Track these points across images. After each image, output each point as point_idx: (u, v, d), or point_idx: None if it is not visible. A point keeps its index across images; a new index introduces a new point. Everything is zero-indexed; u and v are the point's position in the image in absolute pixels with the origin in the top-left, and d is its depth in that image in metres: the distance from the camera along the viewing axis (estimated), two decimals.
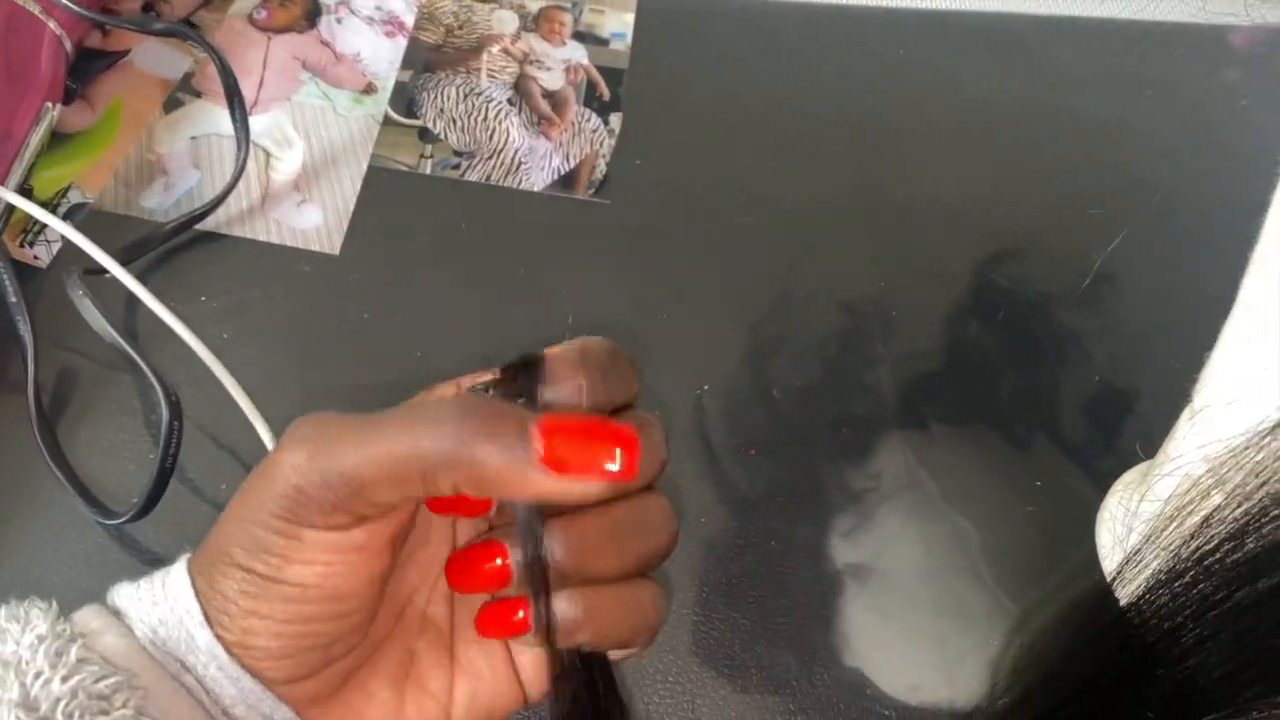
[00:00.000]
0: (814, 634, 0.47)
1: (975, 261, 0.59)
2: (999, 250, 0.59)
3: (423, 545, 0.33)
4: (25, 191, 0.54)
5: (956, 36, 0.69)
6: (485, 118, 0.60)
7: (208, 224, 0.54)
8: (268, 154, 0.58)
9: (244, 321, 0.52)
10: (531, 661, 0.33)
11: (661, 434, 0.31)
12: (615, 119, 0.61)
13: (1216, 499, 0.35)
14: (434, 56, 0.63)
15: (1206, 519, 0.35)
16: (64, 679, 0.26)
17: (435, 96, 0.61)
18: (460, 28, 0.64)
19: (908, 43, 0.68)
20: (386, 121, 0.60)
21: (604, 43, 0.64)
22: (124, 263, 0.48)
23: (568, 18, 0.65)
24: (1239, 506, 0.34)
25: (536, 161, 0.59)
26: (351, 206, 0.56)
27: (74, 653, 0.27)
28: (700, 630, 0.47)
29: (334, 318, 0.53)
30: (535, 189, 0.58)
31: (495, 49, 0.64)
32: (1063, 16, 0.71)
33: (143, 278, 0.51)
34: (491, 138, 0.60)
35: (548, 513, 0.29)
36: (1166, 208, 0.62)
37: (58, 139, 0.56)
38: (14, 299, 0.47)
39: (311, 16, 0.64)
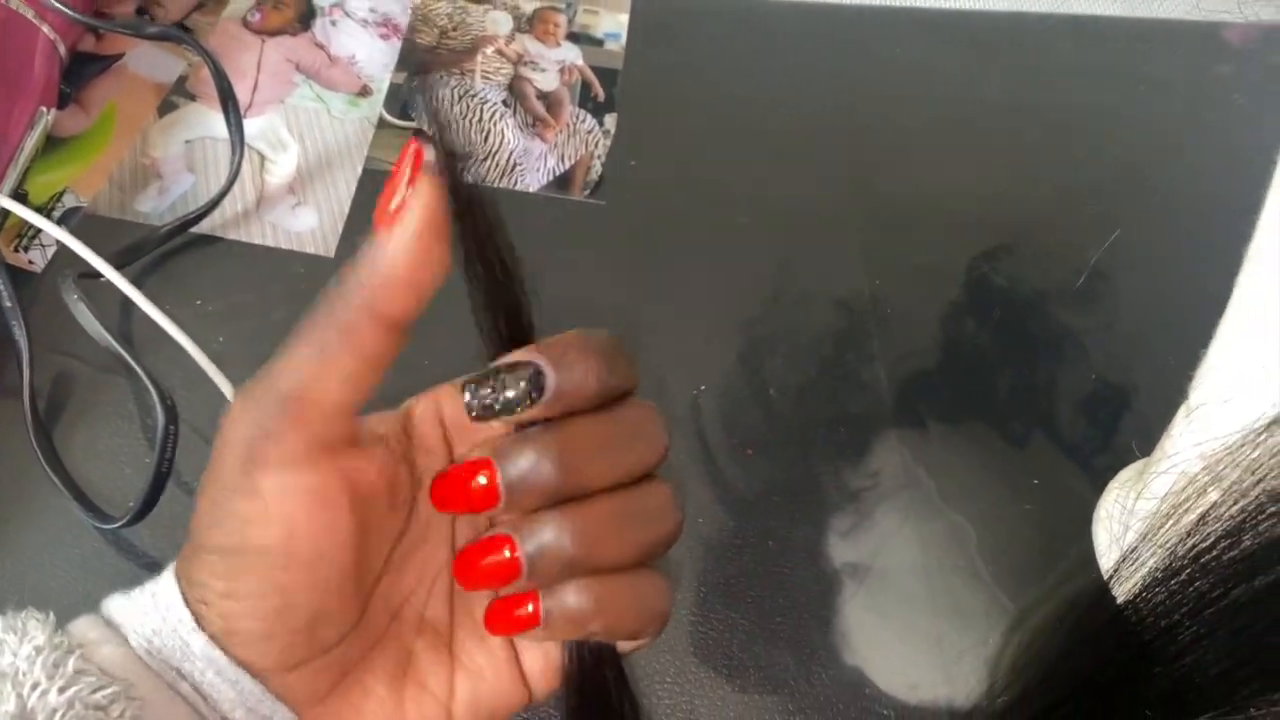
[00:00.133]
0: (812, 633, 0.47)
1: (971, 259, 0.59)
2: (995, 248, 0.59)
3: (420, 545, 0.33)
4: (20, 196, 0.54)
5: (951, 35, 0.69)
6: (480, 119, 0.60)
7: (202, 227, 0.54)
8: (262, 157, 0.58)
9: (239, 325, 0.52)
10: (537, 659, 0.33)
11: (661, 422, 0.31)
12: (610, 119, 0.61)
13: (1213, 496, 0.35)
14: (428, 58, 0.63)
15: (1203, 516, 0.35)
16: (61, 690, 0.26)
17: (430, 98, 0.61)
18: (454, 29, 0.64)
19: (902, 41, 0.68)
20: (381, 124, 0.60)
21: (598, 43, 0.64)
22: (119, 267, 0.48)
23: (562, 19, 0.65)
24: (1235, 504, 0.34)
25: (531, 163, 0.59)
26: (346, 209, 0.56)
27: (71, 664, 0.27)
28: (699, 630, 0.47)
29: None
30: (530, 190, 0.58)
31: (490, 50, 0.64)
32: (1057, 14, 0.71)
33: (138, 282, 0.51)
34: (486, 139, 0.60)
35: (555, 500, 0.29)
36: (1162, 205, 0.62)
37: (52, 143, 0.56)
38: (9, 304, 0.47)
39: (305, 19, 0.64)
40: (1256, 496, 0.33)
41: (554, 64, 0.63)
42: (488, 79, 0.62)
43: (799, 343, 0.55)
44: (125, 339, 0.50)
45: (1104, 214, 0.60)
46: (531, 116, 0.61)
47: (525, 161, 0.59)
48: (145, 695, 0.28)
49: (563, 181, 0.59)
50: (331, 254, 0.55)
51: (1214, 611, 0.32)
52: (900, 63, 0.67)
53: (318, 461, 0.28)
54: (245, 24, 0.63)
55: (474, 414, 0.28)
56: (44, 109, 0.53)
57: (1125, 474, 0.46)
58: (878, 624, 0.48)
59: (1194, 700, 0.32)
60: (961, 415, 0.54)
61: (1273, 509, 0.32)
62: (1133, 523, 0.43)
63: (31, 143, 0.53)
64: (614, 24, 0.65)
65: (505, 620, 0.30)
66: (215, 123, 0.57)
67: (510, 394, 0.28)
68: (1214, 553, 0.34)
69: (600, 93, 0.62)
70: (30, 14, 0.53)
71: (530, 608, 0.30)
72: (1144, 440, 0.46)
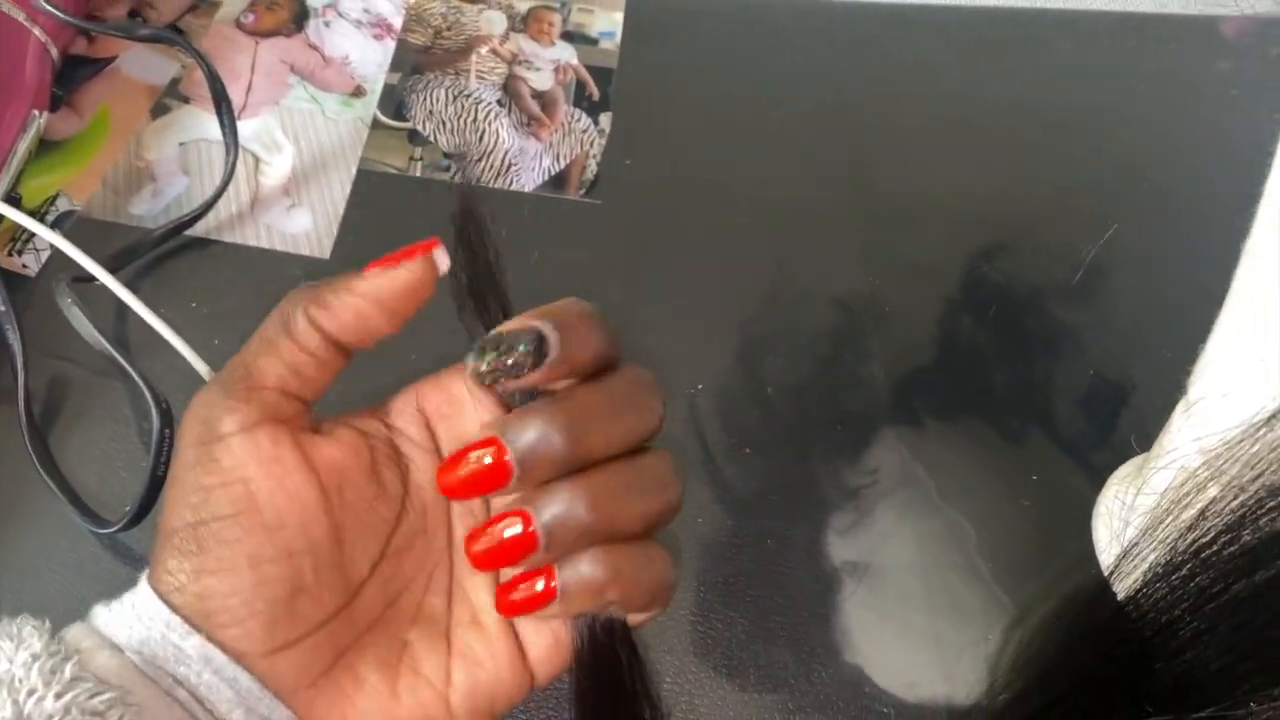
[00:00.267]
0: (811, 632, 0.47)
1: (967, 256, 0.59)
2: (991, 244, 0.59)
3: (418, 535, 0.33)
4: (13, 200, 0.54)
5: (946, 31, 0.69)
6: (475, 119, 0.60)
7: (197, 230, 0.54)
8: (256, 158, 0.57)
9: (235, 327, 0.51)
10: (541, 643, 0.33)
11: (656, 388, 0.32)
12: (605, 119, 0.61)
13: (1212, 491, 0.35)
14: (422, 58, 0.63)
15: (1203, 512, 0.35)
16: (58, 695, 0.26)
17: (424, 98, 0.61)
18: (449, 29, 0.64)
19: (897, 38, 0.68)
20: (375, 124, 0.60)
21: (593, 42, 0.64)
22: (113, 270, 0.48)
23: (556, 18, 0.65)
24: (1235, 499, 0.34)
25: (527, 162, 0.59)
26: (341, 210, 0.56)
27: (68, 670, 0.27)
28: (698, 630, 0.46)
29: None
30: (526, 190, 0.58)
31: (484, 50, 0.63)
32: (1052, 9, 0.71)
33: (132, 285, 0.50)
34: (481, 139, 0.60)
35: (564, 470, 0.30)
36: (1160, 201, 0.62)
37: (45, 147, 0.56)
38: (3, 308, 0.47)
39: (299, 20, 0.64)
40: (1256, 491, 0.33)
41: (549, 63, 0.63)
42: (482, 79, 0.62)
43: (796, 341, 0.55)
44: (120, 342, 0.49)
45: (1101, 211, 0.60)
46: (526, 116, 0.61)
47: (520, 161, 0.59)
48: (142, 701, 0.28)
49: (558, 181, 0.59)
50: (327, 255, 0.55)
51: (1214, 607, 0.32)
52: (897, 60, 0.67)
53: (271, 430, 0.29)
54: (239, 25, 0.63)
55: (481, 379, 0.29)
56: (36, 112, 0.53)
57: (1124, 470, 0.46)
58: (877, 622, 0.48)
59: (1195, 696, 0.32)
60: (959, 413, 0.54)
61: (1272, 504, 0.32)
62: (1132, 518, 0.43)
63: (24, 146, 0.53)
64: (609, 22, 0.65)
65: (520, 598, 0.30)
66: (209, 125, 0.57)
67: (516, 358, 0.28)
68: (1214, 548, 0.34)
69: (595, 92, 0.62)
70: (21, 16, 0.53)
71: (546, 583, 0.30)
72: (1143, 436, 0.46)
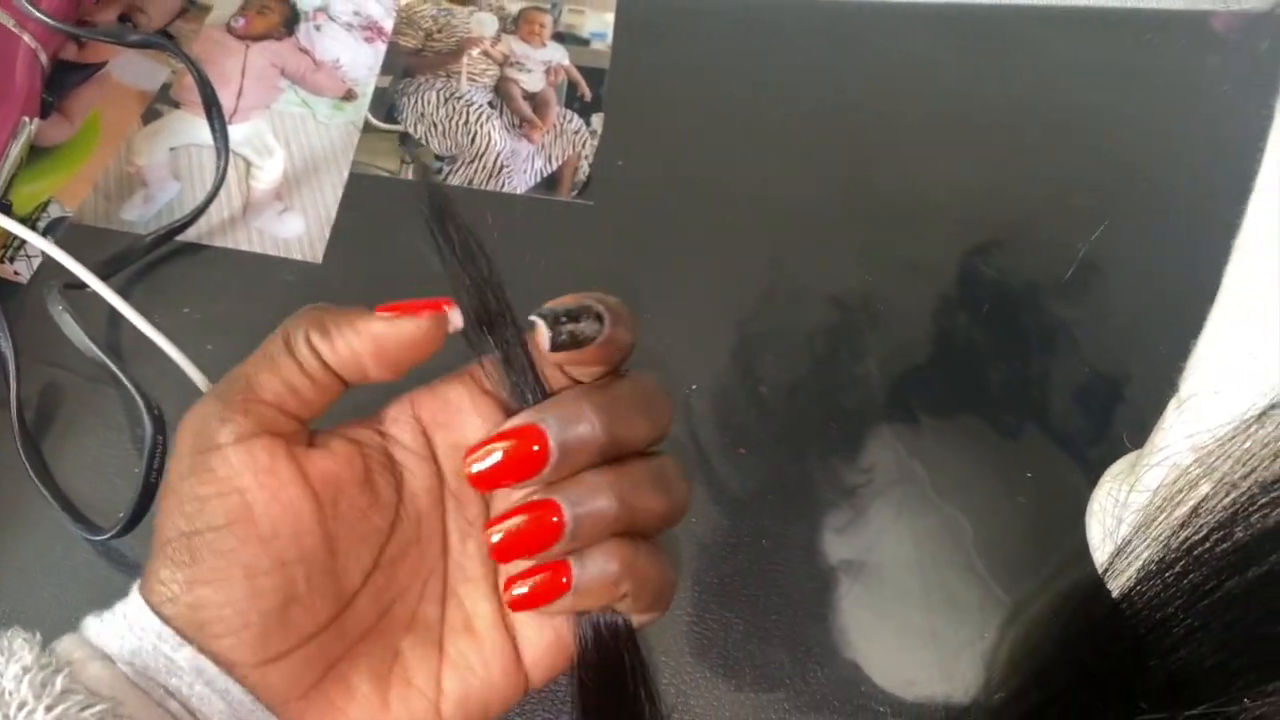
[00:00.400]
0: (808, 631, 0.47)
1: (961, 253, 0.59)
2: (985, 241, 0.59)
3: (412, 544, 0.33)
4: (4, 207, 0.53)
5: (937, 29, 0.69)
6: (466, 121, 0.60)
7: (189, 235, 0.54)
8: (248, 163, 0.57)
9: (228, 332, 0.51)
10: (539, 645, 0.33)
11: (666, 390, 0.32)
12: (597, 119, 0.61)
13: (1205, 488, 0.35)
14: (414, 61, 0.63)
15: (1195, 509, 0.35)
16: (48, 708, 0.26)
17: (416, 101, 0.61)
18: (439, 31, 0.64)
19: (889, 36, 0.68)
20: (367, 128, 0.60)
21: (584, 43, 0.64)
22: (104, 277, 0.48)
23: (547, 19, 0.65)
24: (1227, 495, 0.34)
25: (519, 164, 0.59)
26: (333, 214, 0.56)
27: (59, 683, 0.27)
28: (694, 630, 0.46)
29: None
30: (518, 192, 0.58)
31: (475, 52, 0.63)
32: (1044, 6, 0.71)
33: (125, 291, 0.51)
34: (473, 141, 0.59)
35: (597, 461, 0.30)
36: (1152, 195, 0.62)
37: (35, 153, 0.56)
38: None
39: (289, 24, 0.63)
40: (1248, 488, 0.33)
41: (540, 64, 0.63)
42: (473, 81, 0.62)
43: (791, 340, 0.55)
44: (113, 349, 0.49)
45: (1095, 207, 0.60)
46: (518, 118, 0.61)
47: (512, 163, 0.59)
48: (133, 712, 0.28)
49: (550, 182, 0.59)
50: (319, 259, 0.55)
51: (1208, 604, 0.32)
52: (889, 58, 0.67)
53: (268, 443, 0.30)
54: (229, 30, 0.63)
55: (555, 346, 0.30)
56: (26, 119, 0.53)
57: (1118, 466, 0.46)
58: (874, 621, 0.48)
59: (1189, 692, 0.32)
60: (955, 410, 0.54)
61: (1264, 500, 0.32)
62: (1125, 516, 0.43)
63: (14, 153, 0.52)
64: (599, 23, 0.65)
65: (534, 591, 0.30)
66: (200, 130, 0.57)
67: (585, 326, 0.30)
68: (1207, 545, 0.34)
69: (587, 92, 0.62)
70: (10, 23, 0.53)
71: (561, 575, 0.30)
72: (1137, 432, 0.46)
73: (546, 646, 0.33)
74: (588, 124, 0.61)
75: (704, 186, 0.60)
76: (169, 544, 0.29)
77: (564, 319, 0.30)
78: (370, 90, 0.61)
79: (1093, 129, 0.65)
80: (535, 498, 0.30)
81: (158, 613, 0.29)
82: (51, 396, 0.49)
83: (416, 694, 0.32)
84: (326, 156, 0.58)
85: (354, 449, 0.32)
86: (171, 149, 0.57)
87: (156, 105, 0.59)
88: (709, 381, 0.53)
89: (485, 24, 0.64)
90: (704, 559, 0.48)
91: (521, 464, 0.29)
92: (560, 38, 0.65)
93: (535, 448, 0.29)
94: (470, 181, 0.58)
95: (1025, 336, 0.56)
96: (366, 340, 0.30)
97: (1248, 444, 0.34)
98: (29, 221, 0.54)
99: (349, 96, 0.61)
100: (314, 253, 0.55)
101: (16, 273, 0.52)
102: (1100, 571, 0.37)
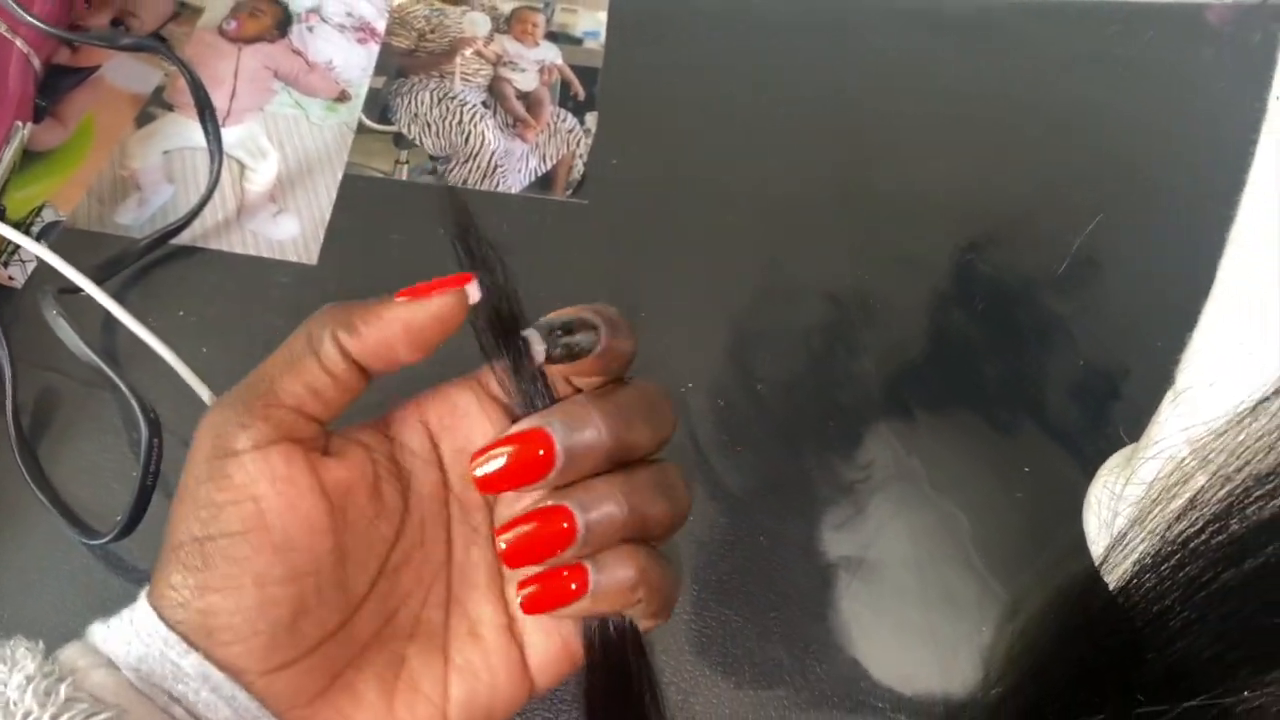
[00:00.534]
0: (807, 628, 0.47)
1: (957, 249, 0.59)
2: (980, 237, 0.59)
3: (416, 549, 0.33)
4: None
5: (930, 25, 0.69)
6: (460, 121, 0.60)
7: (183, 238, 0.54)
8: (242, 165, 0.57)
9: (223, 335, 0.51)
10: (545, 649, 0.33)
11: (672, 404, 0.33)
12: (591, 118, 0.61)
13: (1200, 481, 0.35)
14: (407, 61, 0.63)
15: (1191, 501, 0.35)
16: (53, 718, 0.26)
17: (409, 101, 0.61)
18: (432, 31, 0.64)
19: (883, 33, 0.68)
20: (361, 129, 0.60)
21: (577, 42, 0.64)
22: (99, 281, 0.48)
23: (540, 18, 0.65)
24: (1222, 488, 0.34)
25: (513, 164, 0.59)
26: (328, 215, 0.56)
27: (63, 691, 0.27)
28: (693, 628, 0.46)
29: None
30: (512, 191, 0.58)
31: (468, 52, 0.63)
32: (1038, 1, 0.71)
33: (120, 294, 0.51)
34: (467, 141, 0.59)
35: (604, 467, 0.30)
36: (1148, 188, 0.62)
37: (29, 157, 0.56)
38: None
39: (282, 25, 0.63)
40: (1243, 480, 0.33)
41: (533, 64, 0.63)
42: (467, 80, 0.62)
43: (787, 338, 0.55)
44: (108, 353, 0.49)
45: (1090, 201, 0.60)
46: (512, 117, 0.61)
47: (507, 163, 0.59)
48: (138, 719, 0.28)
49: (545, 182, 0.59)
50: (314, 261, 0.55)
51: (1204, 596, 0.32)
52: (882, 54, 0.67)
53: (286, 450, 0.29)
54: (221, 32, 0.63)
55: (550, 359, 0.30)
56: (19, 123, 0.53)
57: (1114, 460, 0.46)
58: (872, 617, 0.48)
59: (1186, 685, 0.32)
60: (951, 405, 0.54)
61: (1259, 492, 0.32)
62: (1122, 509, 0.43)
63: (7, 157, 0.52)
64: (593, 22, 0.65)
65: (549, 595, 0.31)
66: (194, 132, 0.57)
67: (580, 339, 0.30)
68: (1202, 537, 0.34)
69: (580, 91, 0.62)
70: (3, 28, 0.53)
71: (578, 580, 0.30)
72: (1133, 425, 0.46)
73: (553, 651, 0.33)
74: (582, 123, 0.61)
75: (699, 184, 0.60)
76: (181, 548, 0.29)
77: (559, 332, 0.30)
78: (364, 91, 0.61)
79: (1088, 124, 0.65)
80: (546, 504, 0.30)
81: (165, 619, 0.29)
82: (47, 401, 0.49)
83: (423, 700, 0.32)
84: (320, 158, 0.58)
85: (365, 455, 0.32)
86: (165, 152, 0.57)
87: (150, 108, 0.59)
88: (705, 380, 0.53)
89: (478, 24, 0.64)
90: (702, 557, 0.48)
91: (527, 468, 0.29)
92: (553, 37, 0.65)
93: (541, 452, 0.29)
94: (465, 181, 0.58)
95: (1021, 332, 0.56)
96: (395, 325, 0.30)
97: (1242, 436, 0.34)
98: (23, 226, 0.54)
99: (342, 98, 0.61)
100: (309, 254, 0.55)
101: (11, 278, 0.52)
102: (1097, 565, 0.37)
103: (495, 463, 0.30)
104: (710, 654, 0.46)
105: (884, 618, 0.48)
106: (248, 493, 0.29)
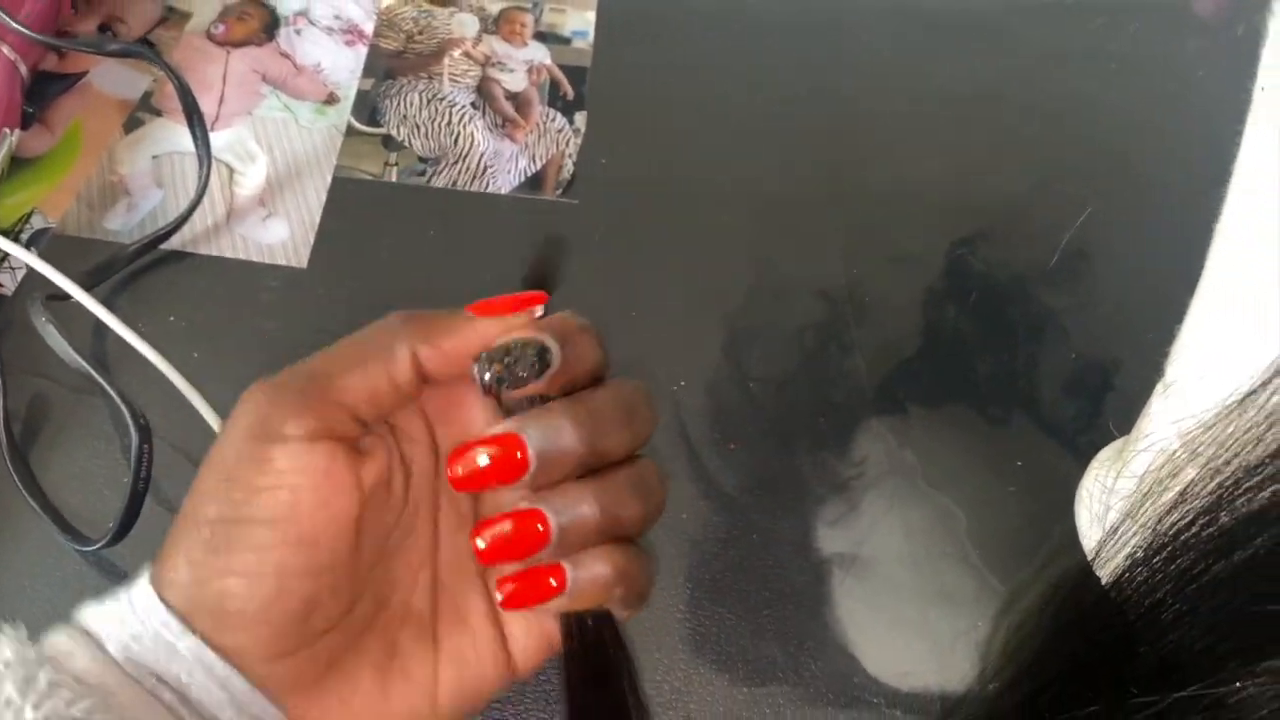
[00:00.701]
0: (801, 625, 0.47)
1: (947, 245, 0.59)
2: (971, 232, 0.59)
3: (407, 535, 0.33)
4: None
5: (918, 22, 0.69)
6: (449, 122, 0.60)
7: (173, 243, 0.54)
8: (231, 169, 0.57)
9: (213, 339, 0.51)
10: (526, 635, 0.33)
11: (650, 396, 0.33)
12: (580, 118, 0.61)
13: (1190, 473, 0.35)
14: (395, 63, 0.63)
15: (1182, 494, 0.35)
16: (35, 706, 0.26)
17: (398, 103, 0.61)
18: (420, 33, 0.64)
19: (870, 30, 0.68)
20: (350, 131, 0.60)
21: (566, 41, 0.64)
22: (89, 286, 0.48)
23: (528, 18, 0.65)
24: (1212, 480, 0.34)
25: (503, 164, 0.59)
26: (317, 218, 0.56)
27: (43, 678, 0.27)
28: (686, 626, 0.46)
29: (304, 330, 0.52)
30: (502, 192, 0.58)
31: (456, 53, 0.63)
32: None
33: (109, 300, 0.50)
34: (456, 143, 0.59)
35: (578, 471, 0.31)
36: (1138, 182, 0.62)
37: (17, 164, 0.56)
38: None
39: (270, 29, 0.63)
40: (1232, 472, 0.33)
41: (522, 64, 0.63)
42: (456, 81, 0.62)
43: (778, 335, 0.55)
44: (98, 359, 0.49)
45: (1080, 194, 0.60)
46: (501, 118, 0.61)
47: (496, 163, 0.59)
48: (124, 703, 0.27)
49: (535, 182, 0.59)
50: (304, 264, 0.54)
51: (1196, 588, 0.32)
52: (871, 52, 0.67)
53: (330, 447, 0.29)
54: (209, 37, 0.63)
55: (486, 388, 0.30)
56: (7, 130, 0.53)
57: (1105, 453, 0.46)
58: (867, 613, 0.48)
59: (1179, 677, 0.32)
60: (944, 400, 0.54)
61: (1248, 484, 0.32)
62: (1113, 502, 0.43)
63: None
64: (581, 22, 0.65)
65: (528, 593, 0.31)
66: (182, 137, 0.57)
67: (522, 368, 0.30)
68: (1193, 530, 0.34)
69: (569, 91, 0.62)
70: None
71: (555, 579, 0.31)
72: (1125, 419, 0.46)
73: (534, 639, 0.33)
74: (571, 122, 0.61)
75: (690, 183, 0.60)
76: (206, 525, 0.28)
77: (500, 359, 0.30)
78: (352, 93, 0.61)
79: (1077, 118, 0.65)
80: (522, 506, 0.30)
81: (165, 598, 0.28)
82: (38, 408, 0.49)
83: (415, 686, 0.32)
84: (309, 161, 0.58)
85: (386, 451, 0.32)
86: (154, 157, 0.57)
87: (138, 114, 0.59)
88: (697, 377, 0.53)
89: (466, 25, 0.64)
90: (696, 555, 0.48)
91: (502, 470, 0.30)
92: (541, 37, 0.64)
93: (517, 455, 0.29)
94: (455, 183, 0.58)
95: (1013, 326, 0.56)
96: (473, 338, 0.30)
97: (1231, 428, 0.34)
98: (12, 234, 0.53)
99: (331, 100, 0.61)
100: (299, 258, 0.55)
101: (1, 285, 0.52)
102: (1089, 559, 0.37)
103: (472, 463, 0.30)
104: (704, 652, 0.46)
105: (879, 614, 0.48)
106: (287, 481, 0.28)
